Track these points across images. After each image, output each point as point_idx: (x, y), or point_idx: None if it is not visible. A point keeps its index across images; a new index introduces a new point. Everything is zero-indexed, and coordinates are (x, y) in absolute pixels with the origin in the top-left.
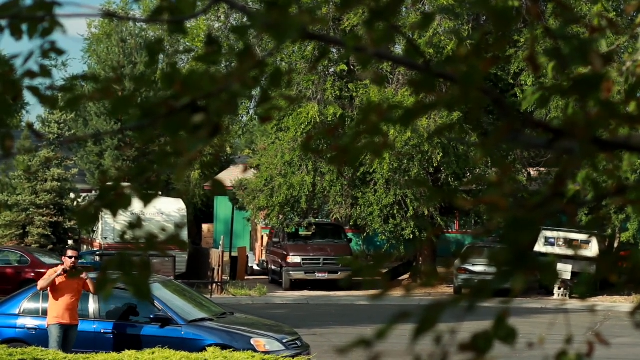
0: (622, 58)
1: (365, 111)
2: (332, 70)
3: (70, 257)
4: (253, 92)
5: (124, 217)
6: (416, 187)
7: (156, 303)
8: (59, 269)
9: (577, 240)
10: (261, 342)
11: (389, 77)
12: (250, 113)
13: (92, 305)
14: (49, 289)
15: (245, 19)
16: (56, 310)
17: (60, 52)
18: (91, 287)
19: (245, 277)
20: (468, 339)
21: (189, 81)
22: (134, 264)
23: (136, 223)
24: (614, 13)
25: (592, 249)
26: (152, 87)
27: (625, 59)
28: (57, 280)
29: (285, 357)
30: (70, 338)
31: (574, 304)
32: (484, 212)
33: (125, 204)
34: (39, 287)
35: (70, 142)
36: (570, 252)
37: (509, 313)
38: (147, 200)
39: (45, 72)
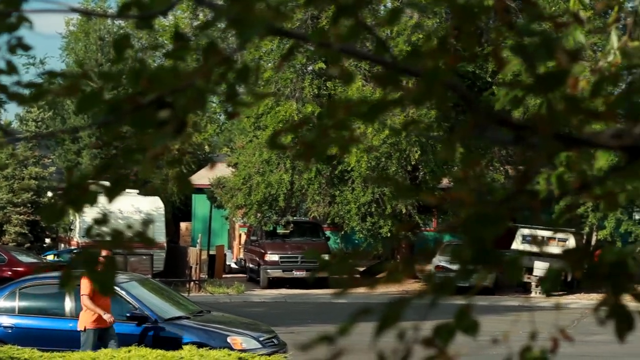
0: (597, 57)
1: (332, 107)
2: (310, 68)
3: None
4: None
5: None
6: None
7: (133, 301)
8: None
9: (554, 238)
10: (238, 340)
11: (366, 75)
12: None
13: (69, 304)
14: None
15: (210, 15)
16: (95, 314)
17: (26, 48)
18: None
19: (223, 276)
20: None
21: (155, 77)
22: (99, 261)
23: (102, 219)
24: (591, 11)
25: (570, 247)
26: (119, 83)
27: (600, 57)
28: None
29: (262, 355)
30: (106, 339)
31: (551, 301)
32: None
33: (90, 200)
34: (87, 295)
35: (41, 137)
36: (548, 250)
37: (471, 306)
38: (111, 196)
39: (11, 68)
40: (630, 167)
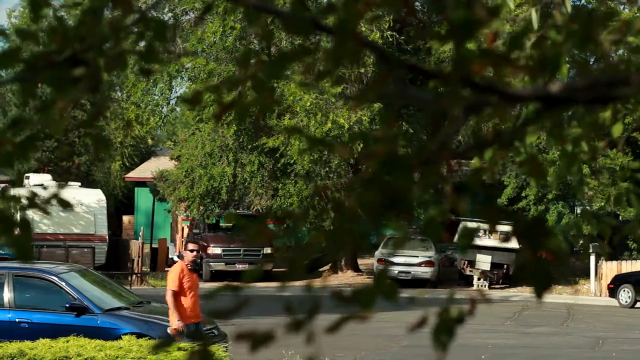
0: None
1: (244, 59)
2: (252, 61)
3: (192, 251)
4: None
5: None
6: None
7: (72, 292)
8: (179, 266)
9: (496, 231)
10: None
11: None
12: (171, 104)
13: (7, 295)
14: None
15: None
16: (188, 309)
17: None
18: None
19: (166, 269)
20: (349, 292)
21: (70, 34)
22: (15, 223)
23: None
24: None
25: (512, 240)
26: (37, 42)
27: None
28: (184, 279)
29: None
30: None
31: (493, 294)
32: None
33: (4, 158)
34: (172, 291)
35: None
36: (490, 243)
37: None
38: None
39: None
40: (544, 116)
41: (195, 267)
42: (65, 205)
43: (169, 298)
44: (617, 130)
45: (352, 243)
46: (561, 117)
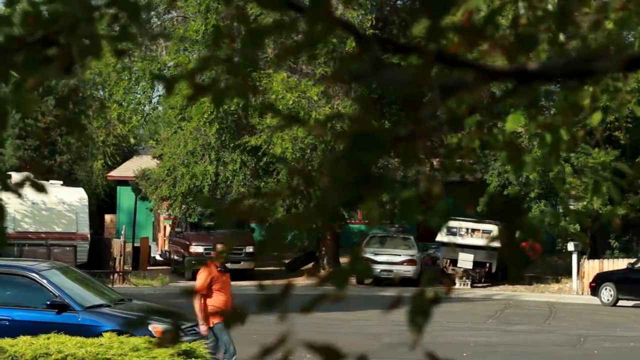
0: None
1: (217, 36)
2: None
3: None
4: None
5: (24, 207)
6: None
7: (53, 289)
8: (208, 268)
9: (479, 230)
10: (159, 328)
11: (291, 66)
12: (153, 102)
13: None
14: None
15: None
16: (218, 309)
17: None
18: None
19: (148, 268)
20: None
21: (43, 17)
22: None
23: None
24: None
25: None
26: (11, 27)
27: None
28: (213, 280)
29: (183, 342)
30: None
31: (475, 293)
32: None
33: None
34: (198, 291)
35: None
36: (472, 242)
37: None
38: None
39: None
40: (520, 92)
41: (226, 268)
42: (40, 189)
43: (194, 299)
44: (595, 118)
45: (324, 218)
46: (537, 94)
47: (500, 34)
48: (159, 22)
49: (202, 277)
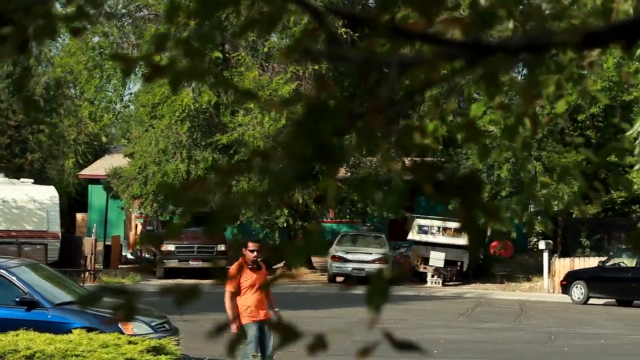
0: None
1: (171, 10)
2: (206, 58)
3: (252, 251)
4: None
5: None
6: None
7: (22, 286)
8: (237, 265)
9: (450, 229)
10: (129, 325)
11: (263, 65)
12: (124, 100)
13: None
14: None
15: None
16: (246, 308)
17: None
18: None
19: (119, 266)
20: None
21: None
22: None
23: None
24: None
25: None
26: None
27: None
28: (243, 277)
29: (152, 339)
30: (264, 334)
31: (447, 291)
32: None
33: None
34: (228, 291)
35: None
36: (443, 240)
37: (318, 228)
38: None
39: None
40: (476, 64)
41: (257, 265)
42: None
43: (225, 297)
44: (560, 106)
45: (279, 193)
46: (494, 69)
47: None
48: (130, 20)
49: (230, 275)
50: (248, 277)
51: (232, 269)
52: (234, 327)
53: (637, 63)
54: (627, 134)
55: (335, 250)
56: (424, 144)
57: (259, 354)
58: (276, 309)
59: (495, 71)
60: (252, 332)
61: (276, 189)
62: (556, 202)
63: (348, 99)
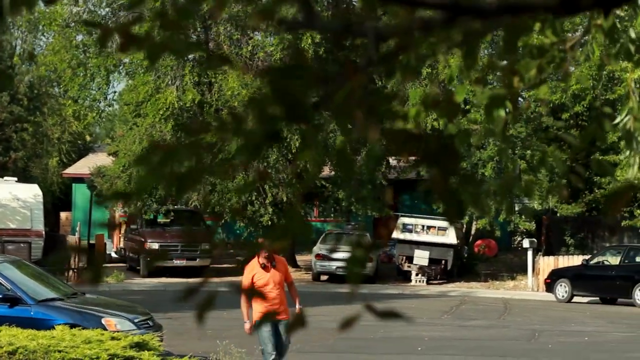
0: None
1: None
2: (190, 56)
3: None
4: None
5: None
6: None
7: (5, 283)
8: (251, 264)
9: (434, 227)
10: (112, 322)
11: (248, 64)
12: (108, 99)
13: None
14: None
15: None
16: (264, 307)
17: None
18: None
19: (103, 265)
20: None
21: None
22: None
23: None
24: None
25: (450, 236)
26: None
27: None
28: (256, 276)
29: (135, 335)
30: (281, 333)
31: (431, 289)
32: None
33: None
34: (245, 290)
35: None
36: (427, 239)
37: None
38: None
39: None
40: (451, 25)
41: (272, 264)
42: None
43: (241, 298)
44: (543, 90)
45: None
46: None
47: None
48: (114, 19)
49: (245, 273)
50: (260, 276)
51: (246, 269)
52: (247, 326)
53: (618, 45)
54: (615, 122)
55: (319, 248)
56: (403, 111)
57: (274, 353)
58: (299, 306)
59: (472, 36)
60: (268, 330)
61: (245, 147)
62: (537, 188)
63: (322, 60)
